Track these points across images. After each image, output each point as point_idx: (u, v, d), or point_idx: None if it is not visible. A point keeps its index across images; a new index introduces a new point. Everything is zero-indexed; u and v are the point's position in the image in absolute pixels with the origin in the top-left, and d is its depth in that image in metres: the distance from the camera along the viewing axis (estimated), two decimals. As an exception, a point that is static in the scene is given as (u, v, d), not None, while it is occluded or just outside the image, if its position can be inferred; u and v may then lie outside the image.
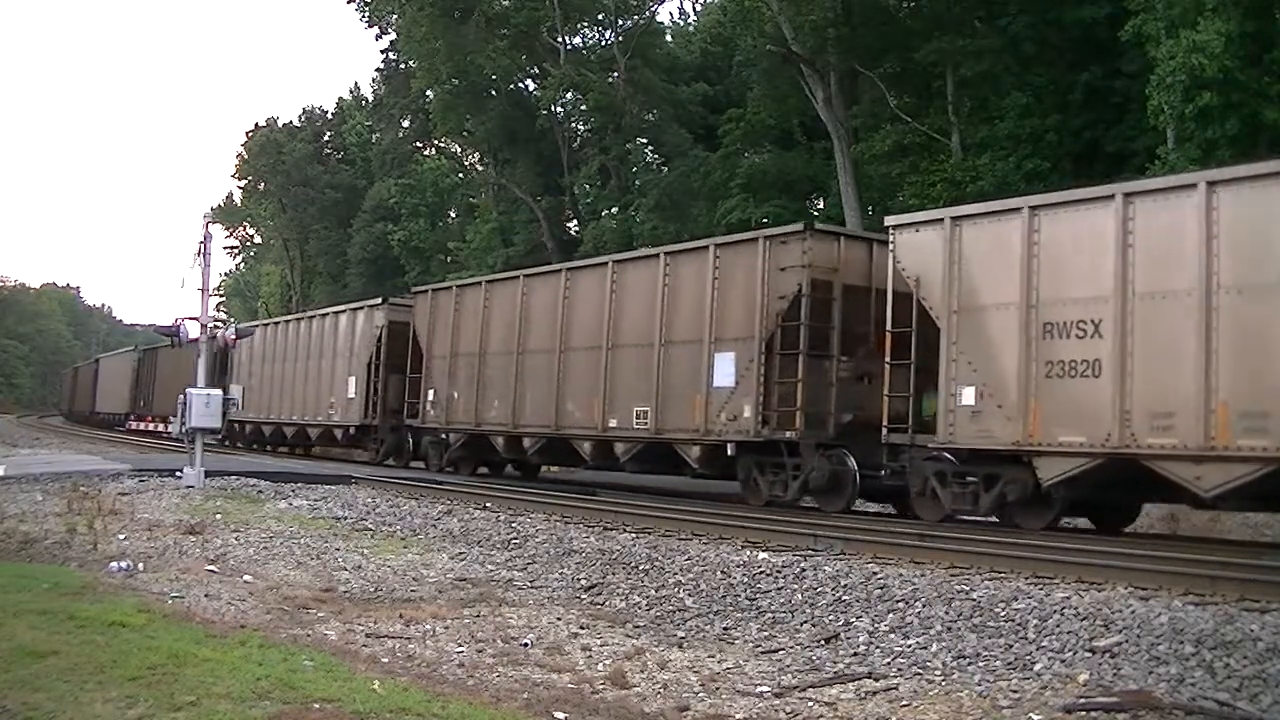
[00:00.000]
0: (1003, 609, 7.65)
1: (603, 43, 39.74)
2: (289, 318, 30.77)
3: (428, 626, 7.91)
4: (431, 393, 21.85)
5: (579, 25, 39.91)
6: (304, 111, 63.22)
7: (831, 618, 8.13)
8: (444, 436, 21.86)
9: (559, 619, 8.33)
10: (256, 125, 62.85)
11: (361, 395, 24.59)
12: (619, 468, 18.01)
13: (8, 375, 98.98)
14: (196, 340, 17.55)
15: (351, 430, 25.21)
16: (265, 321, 32.11)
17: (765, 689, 6.42)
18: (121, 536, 11.34)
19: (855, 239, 15.98)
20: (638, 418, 16.59)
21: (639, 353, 16.81)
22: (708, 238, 18.04)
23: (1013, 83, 24.92)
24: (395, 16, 41.79)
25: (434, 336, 22.12)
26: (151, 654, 5.98)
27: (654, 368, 16.39)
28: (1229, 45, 17.80)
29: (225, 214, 73.41)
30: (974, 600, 7.93)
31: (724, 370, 15.22)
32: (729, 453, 15.25)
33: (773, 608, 8.57)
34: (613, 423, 17.10)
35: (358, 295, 43.31)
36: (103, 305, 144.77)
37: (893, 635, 7.52)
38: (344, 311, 26.88)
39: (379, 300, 25.71)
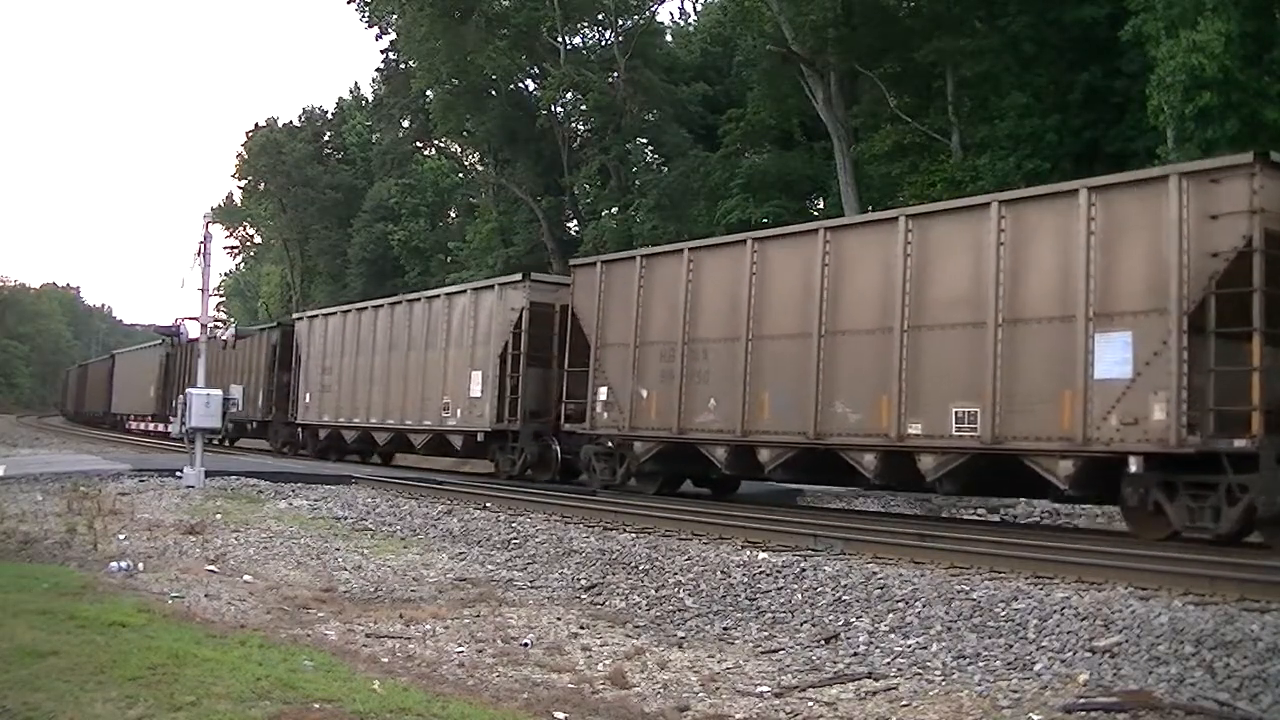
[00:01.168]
0: (1003, 609, 7.65)
1: (603, 43, 39.72)
2: (380, 301, 25.56)
3: (428, 626, 7.91)
4: (604, 391, 17.20)
5: (579, 25, 39.88)
6: (304, 111, 63.25)
7: (831, 618, 8.13)
8: (621, 445, 17.23)
9: (559, 619, 8.33)
10: (256, 125, 62.88)
11: (493, 394, 19.64)
12: (920, 487, 13.87)
13: (8, 375, 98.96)
14: (196, 340, 17.56)
15: (479, 437, 20.27)
16: (346, 307, 27.21)
17: (765, 689, 6.42)
18: (121, 536, 11.34)
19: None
20: (959, 421, 12.50)
21: (959, 335, 12.61)
22: (1070, 181, 13.32)
23: (1013, 83, 24.90)
24: (395, 16, 41.74)
25: (606, 320, 17.38)
26: (151, 654, 5.98)
27: (988, 354, 12.17)
28: (1229, 45, 17.78)
29: (225, 214, 73.44)
30: (974, 600, 7.93)
31: (1114, 356, 11.21)
32: (1133, 469, 10.88)
33: (773, 608, 8.57)
34: (915, 428, 12.90)
35: (358, 295, 43.19)
36: (103, 305, 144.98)
37: (893, 635, 7.52)
38: (463, 292, 22.03)
39: (518, 276, 20.47)
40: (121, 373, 47.80)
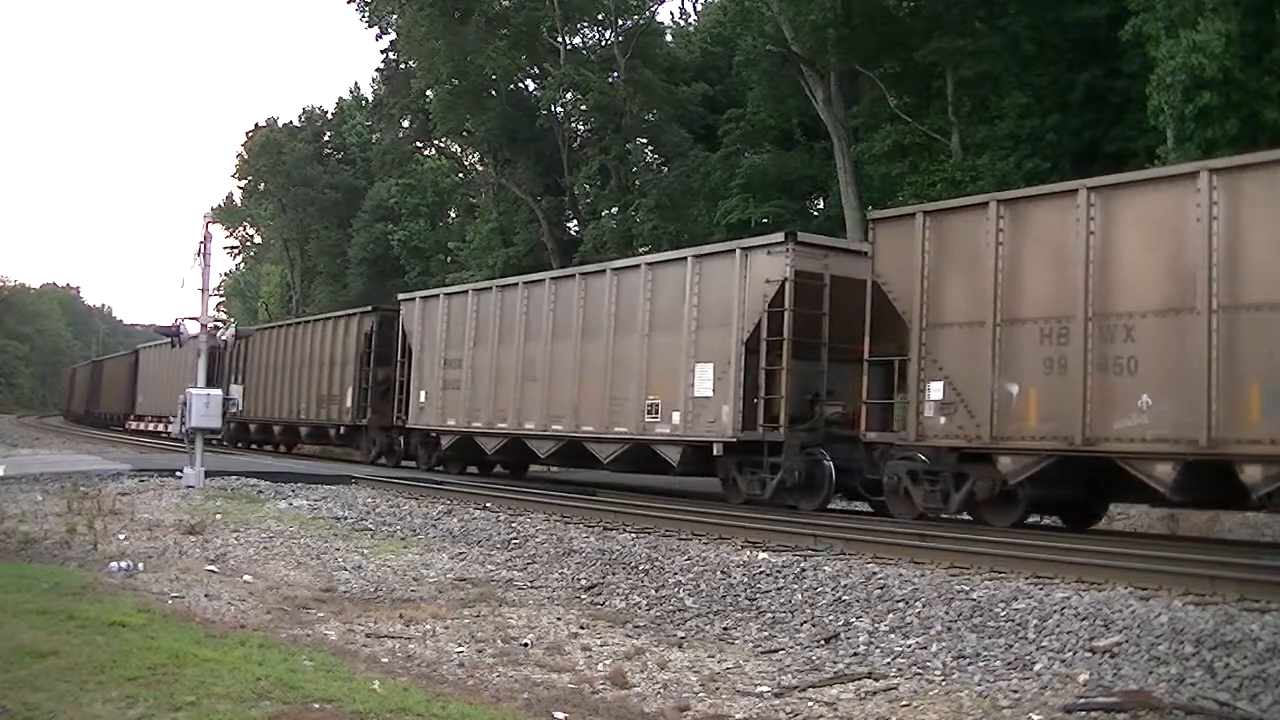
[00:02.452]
0: (1003, 609, 7.65)
1: (603, 43, 39.73)
2: (536, 276, 20.70)
3: (428, 626, 7.91)
4: (938, 387, 13.09)
5: (579, 25, 39.91)
6: (304, 111, 63.29)
7: (831, 618, 8.13)
8: (966, 461, 12.86)
9: (559, 619, 8.33)
10: (256, 125, 62.92)
11: (735, 392, 15.11)
12: None
13: (8, 375, 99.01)
14: (196, 337, 17.56)
15: (716, 449, 15.44)
16: (480, 284, 23.06)
17: (765, 689, 6.42)
18: (121, 536, 11.34)
19: None
20: None
21: None
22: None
23: (1013, 83, 24.91)
24: (395, 16, 41.80)
25: (939, 290, 13.16)
26: (151, 654, 5.98)
27: None
28: (1229, 45, 17.79)
29: (225, 214, 73.42)
30: (974, 600, 7.93)
31: None
32: None
33: (773, 608, 8.57)
34: None
35: (359, 295, 43.19)
36: (103, 305, 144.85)
37: (893, 635, 7.52)
38: (678, 260, 16.89)
39: (778, 238, 15.30)
40: (150, 370, 41.95)
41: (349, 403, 25.18)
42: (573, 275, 19.26)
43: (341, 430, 25.89)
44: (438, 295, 22.75)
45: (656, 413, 16.36)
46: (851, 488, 14.88)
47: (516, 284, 20.46)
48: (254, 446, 31.98)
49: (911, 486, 13.14)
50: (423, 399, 22.05)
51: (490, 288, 21.40)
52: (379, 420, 24.13)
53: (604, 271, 18.22)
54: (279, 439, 31.10)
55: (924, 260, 13.16)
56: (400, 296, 24.13)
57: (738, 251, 15.50)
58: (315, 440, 28.84)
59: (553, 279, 19.68)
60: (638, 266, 17.60)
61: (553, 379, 18.64)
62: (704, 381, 15.60)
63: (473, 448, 21.12)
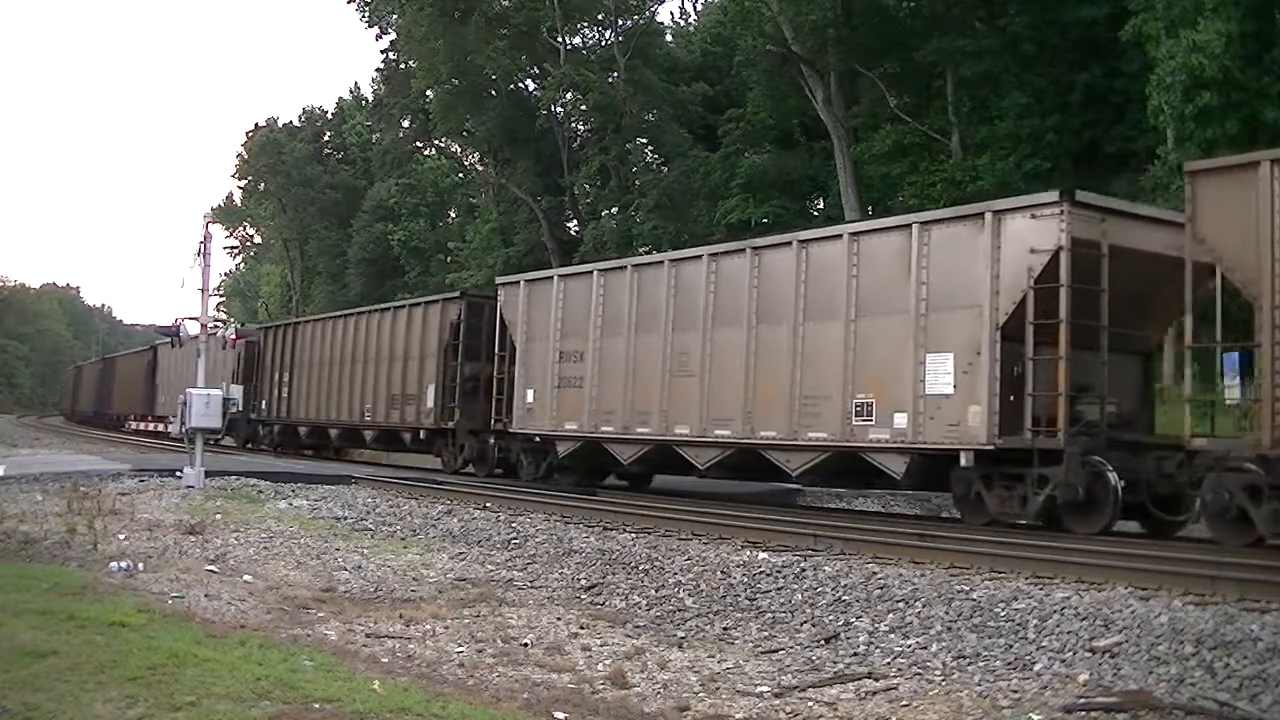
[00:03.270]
0: (1003, 609, 7.65)
1: (603, 43, 39.76)
2: (705, 251, 16.73)
3: (428, 626, 7.91)
4: None
5: (579, 25, 39.93)
6: (304, 111, 63.42)
7: (831, 618, 8.13)
8: None
9: (559, 619, 8.33)
10: (256, 125, 63.01)
11: (985, 386, 12.14)
12: None
13: (8, 375, 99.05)
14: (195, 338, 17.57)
15: (963, 457, 12.39)
16: (612, 262, 19.36)
17: (765, 689, 6.42)
18: (121, 536, 11.34)
19: None
20: None
21: None
22: None
23: (1013, 83, 24.94)
24: (395, 16, 41.84)
25: None
26: (151, 654, 5.97)
27: None
28: (1229, 45, 17.80)
29: (225, 214, 73.48)
30: (974, 600, 7.93)
31: None
32: None
33: (773, 608, 8.57)
34: None
35: (358, 295, 43.20)
36: (103, 305, 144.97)
37: (893, 635, 7.52)
38: (935, 222, 13.55)
39: (1050, 197, 12.22)
40: (172, 367, 36.49)
41: (430, 403, 21.79)
42: (742, 250, 15.77)
43: (421, 435, 22.36)
44: (550, 278, 19.41)
45: (868, 414, 13.38)
46: (1137, 505, 11.67)
47: (661, 262, 17.20)
48: (307, 453, 28.32)
49: (1251, 506, 10.10)
50: (530, 399, 18.80)
51: (624, 266, 17.95)
52: (468, 423, 20.79)
53: (788, 244, 14.88)
54: (335, 443, 27.63)
55: (1276, 222, 10.07)
56: (499, 280, 21.14)
57: (987, 216, 12.44)
58: (384, 445, 25.40)
59: (712, 255, 16.24)
60: (837, 238, 14.32)
61: (714, 374, 15.48)
62: (940, 376, 12.65)
63: (598, 456, 17.83)
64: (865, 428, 13.36)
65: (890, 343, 13.21)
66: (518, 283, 20.06)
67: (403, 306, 24.40)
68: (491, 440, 20.19)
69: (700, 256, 16.29)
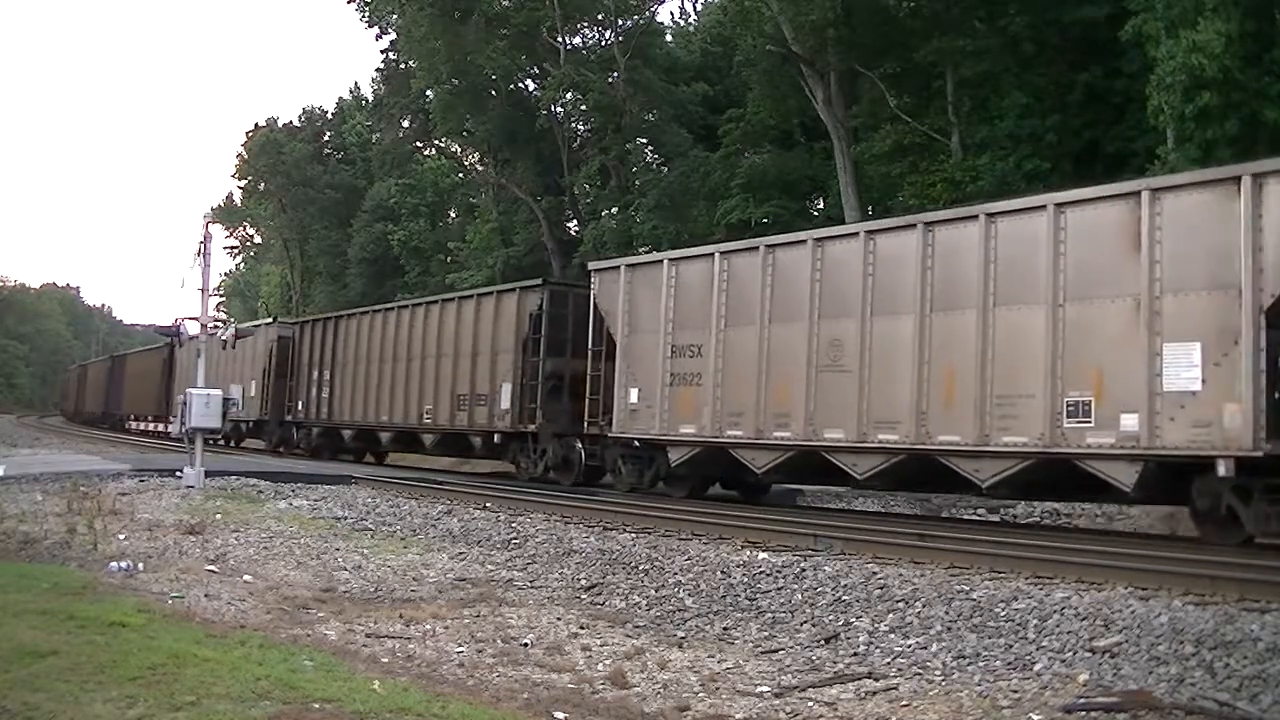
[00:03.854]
0: (1003, 609, 7.66)
1: (603, 43, 39.71)
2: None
3: (428, 626, 7.91)
4: None
5: (579, 25, 39.87)
6: (304, 111, 63.26)
7: (831, 618, 8.13)
8: None
9: (559, 619, 8.33)
10: (256, 125, 62.87)
11: None
12: None
13: (8, 375, 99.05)
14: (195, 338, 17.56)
15: None
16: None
17: (765, 689, 6.42)
18: (121, 536, 11.34)
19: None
20: None
21: None
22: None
23: (1013, 83, 24.91)
24: (395, 16, 41.78)
25: None
26: (151, 654, 5.98)
27: None
28: (1229, 45, 17.78)
29: (225, 214, 73.42)
30: (974, 600, 7.94)
31: None
32: None
33: (773, 608, 8.58)
34: None
35: (358, 295, 43.05)
36: (103, 305, 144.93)
37: (893, 635, 7.52)
38: None
39: None
40: (191, 365, 33.82)
41: (506, 403, 19.65)
42: (910, 227, 13.71)
43: (495, 439, 20.20)
44: (658, 262, 17.14)
45: (1085, 414, 11.57)
46: None
47: (802, 241, 14.98)
48: (350, 458, 26.25)
49: None
50: (634, 399, 16.68)
51: (754, 247, 15.65)
52: (552, 426, 18.77)
53: (972, 218, 13.02)
54: (387, 448, 25.51)
55: None
56: (592, 266, 18.74)
57: (1245, 180, 10.52)
58: (448, 450, 23.32)
59: (869, 232, 14.23)
60: (1039, 209, 12.34)
61: (875, 369, 13.57)
62: (1183, 369, 10.86)
63: (719, 463, 15.95)
64: (1081, 431, 11.55)
65: (1112, 331, 11.47)
66: (616, 268, 17.67)
67: (470, 296, 22.21)
68: (578, 445, 18.31)
69: (856, 234, 14.40)
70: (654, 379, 16.54)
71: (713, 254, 16.21)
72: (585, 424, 17.89)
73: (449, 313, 22.30)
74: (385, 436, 24.57)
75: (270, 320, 32.29)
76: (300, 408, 27.67)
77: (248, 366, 30.06)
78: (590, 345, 17.93)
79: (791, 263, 14.91)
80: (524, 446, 19.75)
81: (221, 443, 30.51)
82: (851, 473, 13.93)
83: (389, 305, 26.34)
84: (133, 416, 40.21)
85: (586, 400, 17.83)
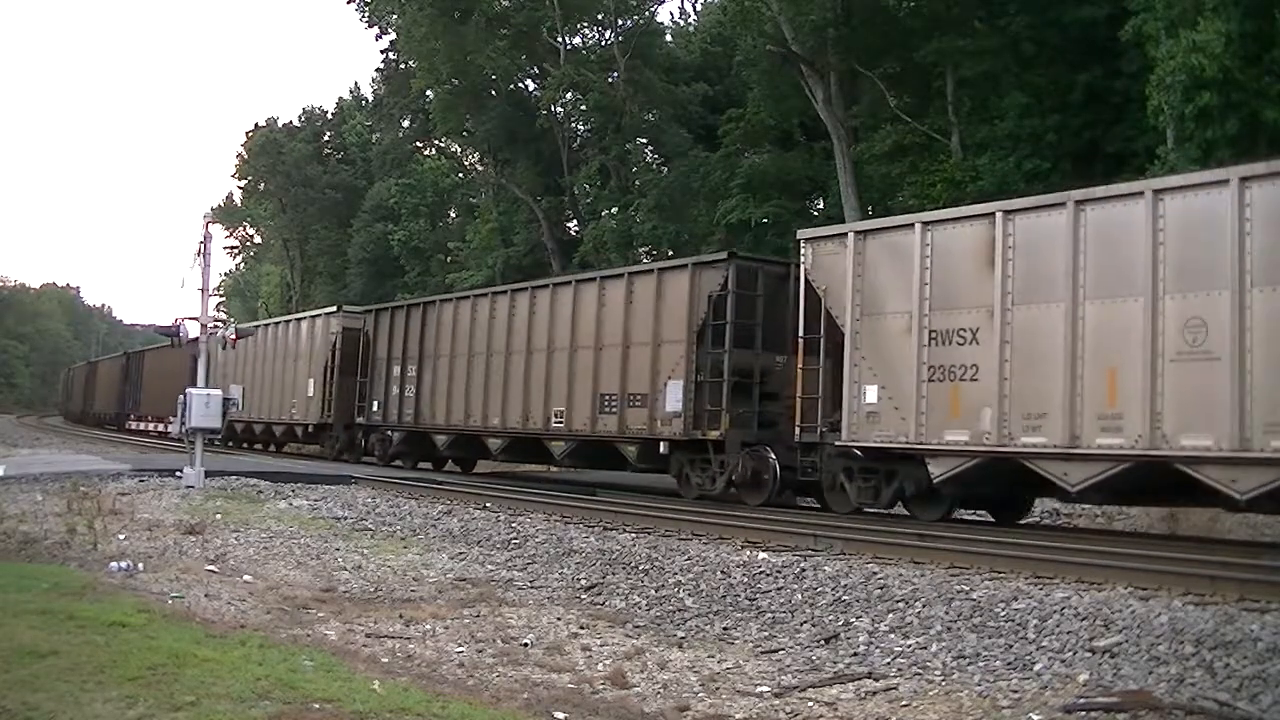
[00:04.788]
0: (1003, 609, 7.65)
1: (603, 43, 39.74)
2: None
3: (428, 626, 7.91)
4: None
5: (579, 25, 39.90)
6: (304, 111, 63.32)
7: (831, 618, 8.13)
8: None
9: (559, 619, 8.33)
10: (256, 125, 62.92)
11: None
12: None
13: (8, 375, 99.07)
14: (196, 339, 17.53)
15: None
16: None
17: (765, 689, 6.42)
18: (121, 536, 11.34)
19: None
20: None
21: None
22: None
23: (1013, 83, 24.92)
24: (395, 16, 41.80)
25: None
26: (151, 654, 5.98)
27: None
28: (1229, 45, 17.77)
29: (225, 214, 73.42)
30: (974, 600, 7.93)
31: None
32: None
33: (773, 608, 8.57)
34: None
35: (358, 295, 43.08)
36: (103, 305, 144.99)
37: (893, 635, 7.52)
38: None
39: None
40: (229, 362, 28.22)
41: (674, 405, 16.06)
42: None
43: (663, 448, 16.44)
44: (906, 226, 13.68)
45: None
46: None
47: (1138, 194, 11.45)
48: (425, 465, 23.40)
49: None
50: (872, 398, 13.77)
51: (1059, 203, 12.11)
52: (741, 433, 15.44)
53: None
54: (498, 456, 21.25)
55: None
56: (804, 235, 14.98)
57: None
58: (584, 461, 19.58)
59: (1243, 179, 10.59)
60: None
61: (1262, 356, 10.23)
62: None
63: (1003, 477, 12.67)
64: None
65: None
66: (841, 236, 14.33)
67: (618, 276, 18.09)
68: (770, 456, 14.93)
69: (1226, 181, 10.69)
70: (902, 373, 13.24)
71: (991, 214, 12.78)
72: (797, 431, 14.40)
73: (588, 296, 18.13)
74: (496, 444, 20.56)
75: (332, 309, 27.25)
76: (375, 409, 23.69)
77: (304, 363, 26.73)
78: (799, 333, 14.51)
79: (1115, 224, 11.55)
80: (696, 458, 16.04)
81: (262, 448, 29.03)
82: (1230, 491, 10.29)
83: (502, 288, 22.00)
84: (151, 418, 36.48)
85: (797, 401, 14.45)
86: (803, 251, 14.73)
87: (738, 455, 15.28)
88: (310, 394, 26.14)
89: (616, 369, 17.25)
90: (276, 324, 30.12)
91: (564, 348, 18.51)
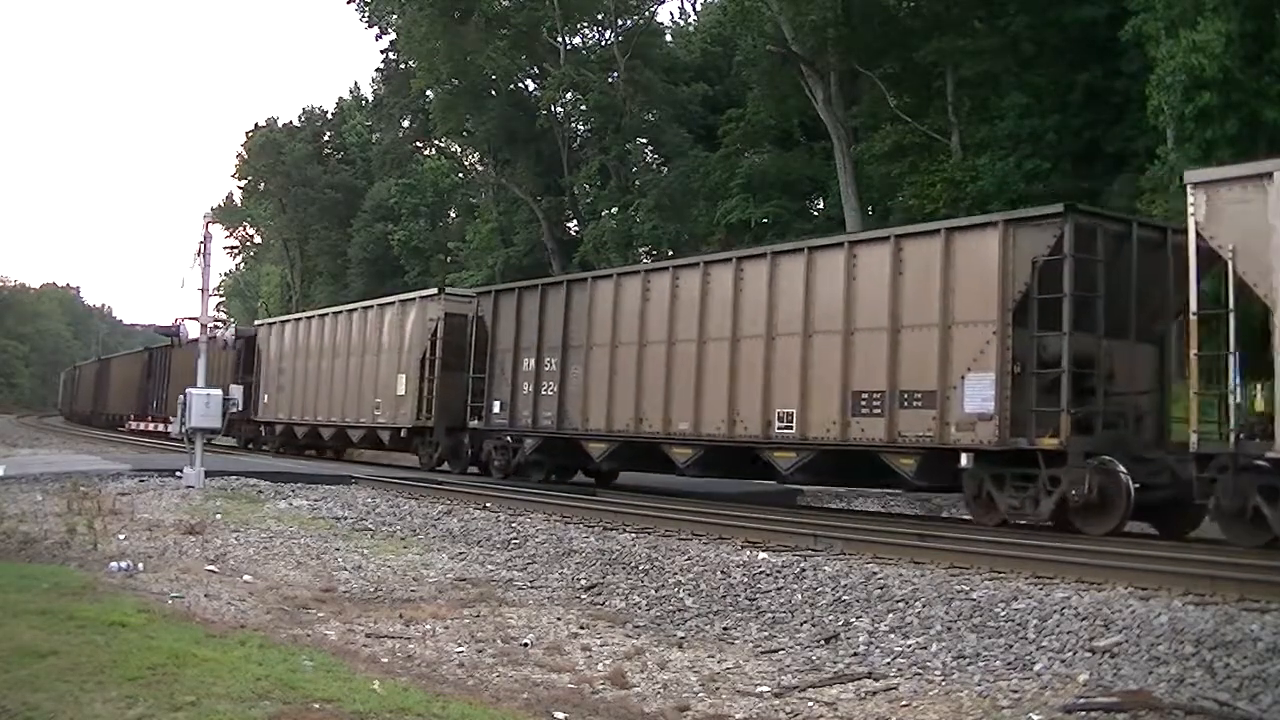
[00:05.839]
0: (1003, 609, 7.65)
1: (603, 43, 39.79)
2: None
3: (428, 626, 7.91)
4: None
5: (579, 25, 39.95)
6: (304, 111, 63.42)
7: (831, 618, 8.13)
8: None
9: (559, 619, 8.33)
10: (256, 125, 62.99)
11: None
12: None
13: (8, 375, 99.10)
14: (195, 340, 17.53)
15: None
16: None
17: (765, 689, 6.41)
18: (121, 536, 11.33)
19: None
20: None
21: None
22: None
23: (1013, 83, 24.95)
24: (395, 16, 41.86)
25: None
26: (151, 654, 5.97)
27: None
28: (1229, 45, 17.79)
29: (225, 214, 73.49)
30: (974, 600, 7.93)
31: None
32: None
33: (773, 608, 8.57)
34: None
35: (358, 295, 43.03)
36: (103, 305, 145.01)
37: (893, 635, 7.52)
38: None
39: None
40: (279, 354, 27.29)
41: (981, 403, 12.29)
42: None
43: (964, 460, 12.42)
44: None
45: None
46: None
47: None
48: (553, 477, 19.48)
49: None
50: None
51: None
52: (1083, 441, 11.77)
53: None
54: (689, 468, 16.26)
55: None
56: (1194, 177, 11.17)
57: None
58: (816, 477, 15.65)
59: None
60: None
61: None
62: None
63: None
64: None
65: None
66: (1262, 178, 10.39)
67: (878, 240, 14.09)
68: (1122, 472, 11.28)
69: None
70: None
71: None
72: (1193, 439, 10.76)
73: (828, 266, 14.26)
74: (685, 454, 16.08)
75: (431, 291, 22.89)
76: (498, 410, 19.51)
77: (391, 356, 22.66)
78: (1190, 307, 10.97)
79: None
80: (1007, 473, 12.29)
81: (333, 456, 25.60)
82: None
83: (688, 260, 17.52)
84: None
85: (1190, 398, 11.01)
86: (1191, 199, 10.94)
87: (1082, 469, 11.49)
88: (400, 392, 22.05)
89: (880, 359, 13.36)
90: (351, 311, 25.52)
91: (792, 333, 14.49)
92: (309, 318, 27.79)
